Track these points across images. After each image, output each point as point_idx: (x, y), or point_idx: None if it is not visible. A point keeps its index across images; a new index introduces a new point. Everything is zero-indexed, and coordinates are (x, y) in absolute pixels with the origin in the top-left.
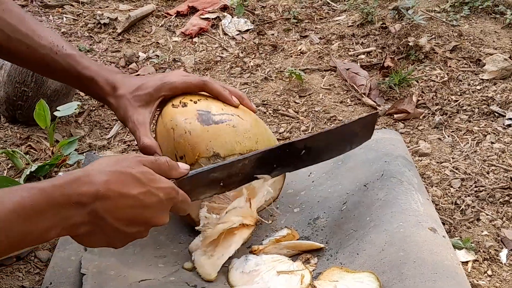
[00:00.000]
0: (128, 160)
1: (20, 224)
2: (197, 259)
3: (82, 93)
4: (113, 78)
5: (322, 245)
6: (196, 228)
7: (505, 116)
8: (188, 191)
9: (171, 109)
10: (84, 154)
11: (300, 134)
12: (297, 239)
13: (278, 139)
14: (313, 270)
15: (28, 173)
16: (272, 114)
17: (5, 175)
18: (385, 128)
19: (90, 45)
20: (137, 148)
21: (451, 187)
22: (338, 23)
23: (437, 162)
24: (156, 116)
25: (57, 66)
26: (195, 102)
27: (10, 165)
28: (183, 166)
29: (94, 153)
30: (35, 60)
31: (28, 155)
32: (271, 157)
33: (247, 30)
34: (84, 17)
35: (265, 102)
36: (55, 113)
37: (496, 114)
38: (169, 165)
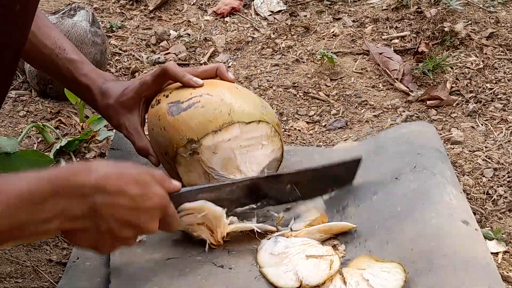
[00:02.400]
0: (129, 164)
1: (24, 211)
2: None
3: (112, 70)
4: (105, 87)
5: (355, 226)
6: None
7: None
8: (176, 207)
9: (150, 110)
10: (114, 130)
11: (330, 118)
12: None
13: (308, 122)
14: (341, 257)
15: (58, 147)
16: (302, 96)
17: (35, 149)
18: (417, 115)
19: (122, 21)
20: None
21: (483, 176)
22: (372, 6)
23: (470, 151)
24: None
25: (57, 68)
26: (167, 96)
27: (40, 139)
28: (175, 183)
29: None
30: (37, 58)
31: (58, 130)
32: (258, 186)
33: (279, 11)
34: None
35: (296, 85)
36: None
37: None
38: (163, 179)
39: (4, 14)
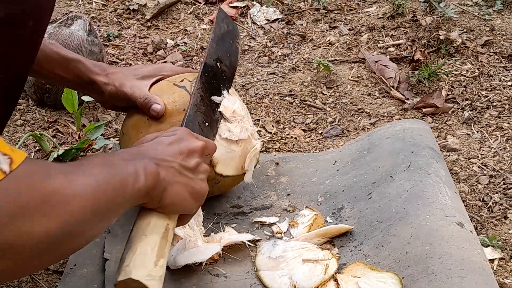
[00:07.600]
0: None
1: (91, 218)
2: None
3: None
4: (101, 64)
5: (351, 227)
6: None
7: None
8: None
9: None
10: (111, 139)
11: (327, 126)
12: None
13: (304, 130)
14: (337, 260)
15: (55, 156)
16: (298, 104)
17: (32, 157)
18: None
19: (119, 30)
20: None
21: (479, 183)
22: (368, 15)
23: (465, 158)
24: None
25: (41, 54)
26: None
27: (37, 147)
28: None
29: None
30: None
31: (55, 139)
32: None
33: (275, 20)
34: (114, 3)
35: (292, 93)
36: (83, 98)
37: None
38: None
39: (18, 30)
